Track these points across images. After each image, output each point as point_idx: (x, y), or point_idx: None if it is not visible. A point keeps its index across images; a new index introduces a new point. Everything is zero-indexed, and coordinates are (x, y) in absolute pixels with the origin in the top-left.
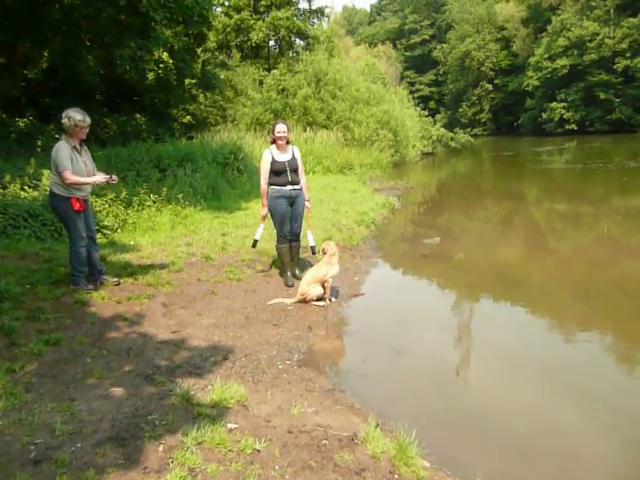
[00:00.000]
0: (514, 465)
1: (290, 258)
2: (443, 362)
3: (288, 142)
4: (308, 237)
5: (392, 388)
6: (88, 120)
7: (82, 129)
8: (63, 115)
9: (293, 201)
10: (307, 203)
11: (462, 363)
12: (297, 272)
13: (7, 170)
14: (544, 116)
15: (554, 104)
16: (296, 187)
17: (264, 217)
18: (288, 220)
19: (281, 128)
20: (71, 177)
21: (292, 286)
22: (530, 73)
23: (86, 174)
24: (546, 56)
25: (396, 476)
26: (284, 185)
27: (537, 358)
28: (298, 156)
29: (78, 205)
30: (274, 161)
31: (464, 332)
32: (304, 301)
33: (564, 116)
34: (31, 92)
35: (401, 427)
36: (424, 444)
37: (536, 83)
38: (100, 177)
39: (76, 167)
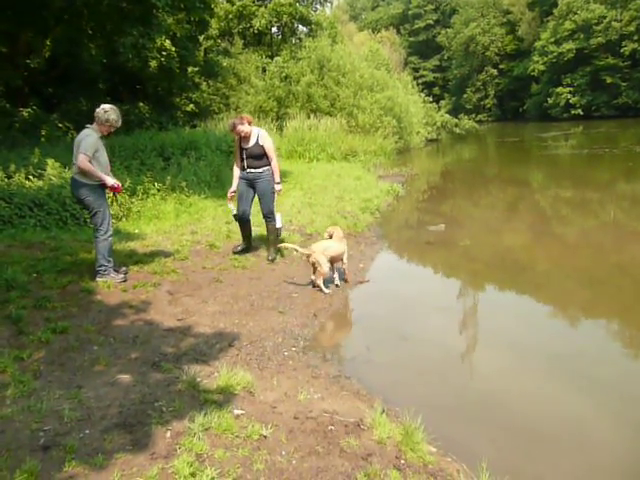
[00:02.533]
0: (520, 451)
1: (269, 236)
2: (448, 349)
3: (246, 135)
4: (276, 218)
5: (398, 374)
6: (119, 124)
7: (111, 128)
8: (102, 107)
9: (253, 183)
10: (277, 186)
11: (468, 349)
12: (271, 255)
13: (12, 160)
14: (550, 101)
15: (560, 89)
16: (254, 171)
17: (230, 196)
18: (245, 200)
19: (231, 127)
20: (87, 163)
21: (237, 253)
22: (536, 58)
23: (107, 166)
24: (552, 40)
25: (402, 461)
26: (243, 169)
27: (543, 344)
28: (263, 141)
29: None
30: (240, 147)
31: (469, 319)
32: (313, 268)
33: (570, 101)
34: (34, 81)
35: (407, 413)
36: (430, 430)
37: (542, 68)
38: (111, 180)
39: (102, 158)
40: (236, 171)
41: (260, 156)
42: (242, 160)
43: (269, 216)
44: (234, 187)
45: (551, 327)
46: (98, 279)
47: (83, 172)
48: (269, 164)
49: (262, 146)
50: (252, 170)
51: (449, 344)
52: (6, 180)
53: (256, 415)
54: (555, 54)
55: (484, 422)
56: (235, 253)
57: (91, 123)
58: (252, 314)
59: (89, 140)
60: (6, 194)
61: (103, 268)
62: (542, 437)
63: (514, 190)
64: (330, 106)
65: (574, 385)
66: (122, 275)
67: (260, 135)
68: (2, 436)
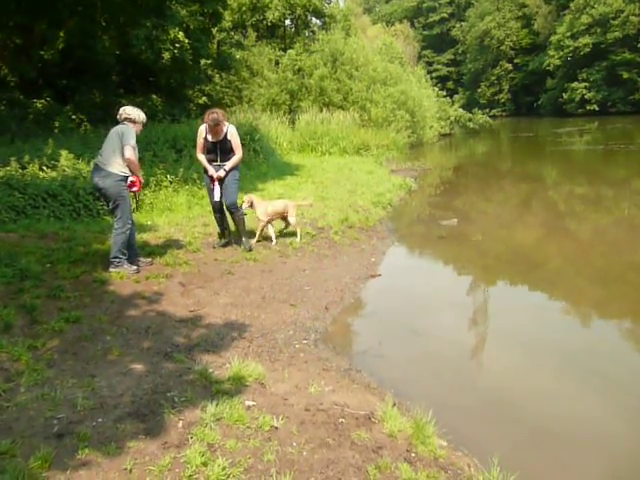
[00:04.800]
0: (531, 448)
1: (238, 227)
2: (460, 344)
3: (218, 125)
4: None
5: (408, 369)
6: None
7: (144, 127)
8: (130, 110)
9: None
10: (220, 170)
11: (479, 345)
12: (246, 245)
13: (25, 151)
14: (565, 96)
15: (575, 84)
16: (222, 164)
17: (216, 178)
18: (214, 191)
19: (214, 122)
20: (133, 154)
21: (222, 245)
22: (551, 52)
23: None
24: (568, 34)
25: (413, 454)
26: (211, 162)
27: (554, 342)
28: (231, 136)
29: (138, 186)
30: (206, 139)
31: (481, 314)
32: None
33: (585, 96)
34: (48, 73)
35: (418, 407)
36: (441, 424)
37: (557, 62)
38: (140, 175)
39: (136, 152)
40: (202, 157)
41: (229, 150)
42: (209, 152)
43: (232, 207)
44: (212, 170)
45: (563, 325)
46: (111, 270)
47: (115, 162)
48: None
49: (230, 141)
50: (222, 163)
51: (461, 340)
52: (20, 171)
53: (267, 406)
54: (571, 48)
55: (495, 418)
56: (215, 247)
57: (104, 115)
58: (263, 306)
59: (132, 133)
60: (20, 185)
61: (117, 260)
62: (554, 435)
63: (527, 186)
64: (343, 100)
65: (586, 383)
66: (135, 267)
67: (229, 131)
68: (17, 423)
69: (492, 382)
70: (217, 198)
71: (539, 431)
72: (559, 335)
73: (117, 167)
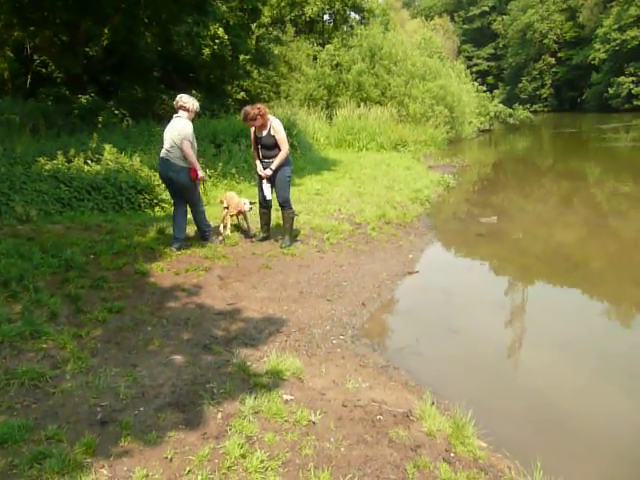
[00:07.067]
0: (575, 451)
1: (285, 224)
2: (499, 344)
3: (263, 122)
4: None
5: (447, 367)
6: None
7: (196, 116)
8: (186, 98)
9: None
10: (267, 170)
11: (517, 345)
12: (286, 242)
13: (71, 145)
14: (611, 91)
15: (622, 78)
16: (267, 160)
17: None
18: (263, 188)
19: (243, 118)
20: (189, 148)
21: (260, 240)
22: (597, 45)
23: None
24: (615, 27)
25: (452, 455)
26: (264, 158)
27: (596, 344)
28: (275, 132)
29: (196, 174)
30: (255, 136)
31: (520, 314)
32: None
33: (633, 91)
34: (92, 69)
35: (457, 406)
36: (480, 424)
37: (603, 56)
38: (199, 169)
39: (195, 144)
40: (255, 154)
41: (272, 146)
42: (261, 148)
43: (284, 204)
44: (259, 169)
45: (605, 326)
46: (208, 243)
47: (183, 157)
48: None
49: (274, 137)
50: (266, 160)
51: (499, 339)
52: (66, 164)
53: (305, 401)
54: (618, 42)
55: (536, 420)
56: (253, 241)
57: (145, 110)
58: (301, 301)
59: (190, 128)
60: (66, 178)
61: (208, 232)
62: (597, 439)
63: (569, 183)
64: (381, 95)
65: (630, 387)
66: (220, 238)
67: (273, 126)
68: (62, 409)
69: (532, 382)
70: (269, 197)
71: (582, 434)
72: (601, 337)
73: (184, 160)
